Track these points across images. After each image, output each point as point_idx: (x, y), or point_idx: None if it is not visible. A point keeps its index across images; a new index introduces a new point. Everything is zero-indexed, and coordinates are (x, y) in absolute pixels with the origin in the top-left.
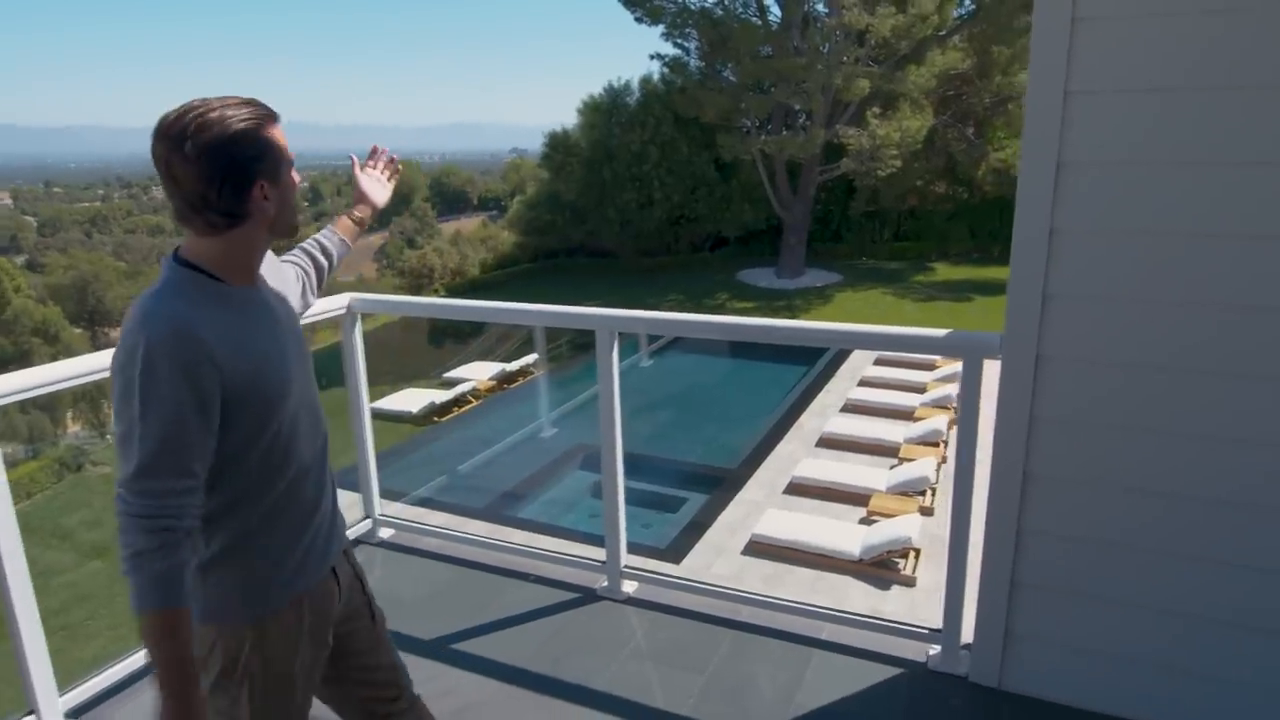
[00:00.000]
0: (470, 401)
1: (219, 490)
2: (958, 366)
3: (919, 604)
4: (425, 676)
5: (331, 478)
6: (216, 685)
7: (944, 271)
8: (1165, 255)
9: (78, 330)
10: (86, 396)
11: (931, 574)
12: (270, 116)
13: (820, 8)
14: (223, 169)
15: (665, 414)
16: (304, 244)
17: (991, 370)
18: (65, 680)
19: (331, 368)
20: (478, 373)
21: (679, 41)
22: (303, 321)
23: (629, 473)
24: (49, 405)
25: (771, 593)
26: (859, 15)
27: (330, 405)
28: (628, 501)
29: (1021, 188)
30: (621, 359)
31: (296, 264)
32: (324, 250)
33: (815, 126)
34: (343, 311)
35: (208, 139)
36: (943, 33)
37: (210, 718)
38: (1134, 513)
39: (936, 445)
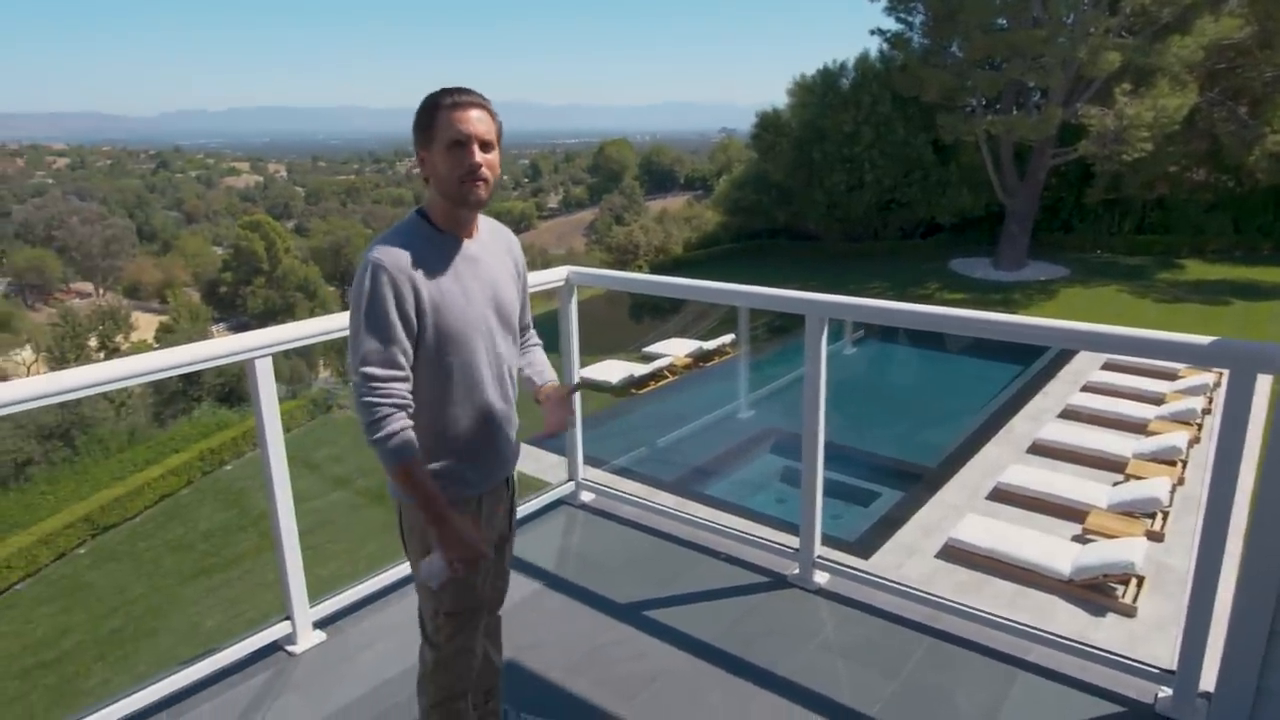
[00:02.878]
0: (666, 377)
1: (420, 391)
2: (1205, 378)
3: (1139, 638)
4: (618, 638)
5: (514, 413)
6: (415, 550)
7: (1197, 270)
8: None
9: (330, 288)
10: (335, 347)
11: (1156, 606)
12: (457, 104)
13: None
14: (414, 139)
15: (864, 404)
16: (529, 364)
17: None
18: (314, 594)
19: (542, 335)
20: (675, 349)
21: (902, 16)
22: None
23: (825, 461)
24: (305, 352)
25: (969, 602)
26: None
27: None
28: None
29: None
30: (826, 345)
31: (526, 332)
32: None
33: (1051, 105)
34: (561, 283)
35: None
36: None
37: (414, 576)
38: None
39: (1173, 464)
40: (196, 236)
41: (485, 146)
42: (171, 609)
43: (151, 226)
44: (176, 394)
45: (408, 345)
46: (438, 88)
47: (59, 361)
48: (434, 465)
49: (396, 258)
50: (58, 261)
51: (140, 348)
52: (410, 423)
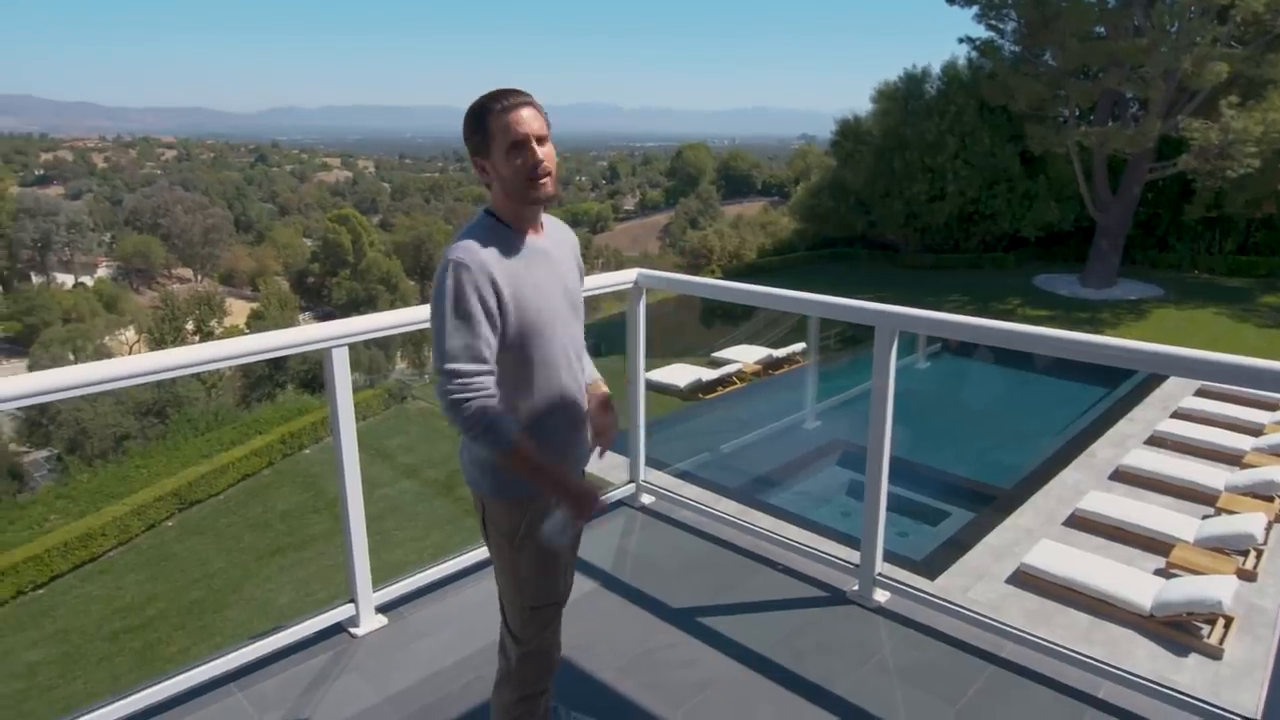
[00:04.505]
0: (734, 383)
1: (505, 387)
2: None
3: (1225, 681)
4: (669, 642)
5: (586, 403)
6: (503, 545)
7: None
8: None
9: (411, 282)
10: (412, 340)
11: (1247, 649)
12: (509, 106)
13: None
14: (468, 145)
15: (936, 420)
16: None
17: None
18: (377, 579)
19: (610, 336)
20: (745, 355)
21: (994, 23)
22: (594, 292)
23: (892, 477)
24: (384, 343)
25: (1038, 632)
26: None
27: (606, 373)
28: (887, 506)
29: None
30: (898, 358)
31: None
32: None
33: (1151, 117)
34: (630, 285)
35: (465, 123)
36: None
37: (499, 573)
38: None
39: (1270, 500)
40: (289, 228)
41: (541, 141)
42: (247, 584)
43: (248, 217)
44: (263, 378)
45: (493, 340)
46: (490, 92)
47: (158, 342)
48: None
49: (477, 255)
50: (162, 248)
51: (232, 332)
52: (502, 409)
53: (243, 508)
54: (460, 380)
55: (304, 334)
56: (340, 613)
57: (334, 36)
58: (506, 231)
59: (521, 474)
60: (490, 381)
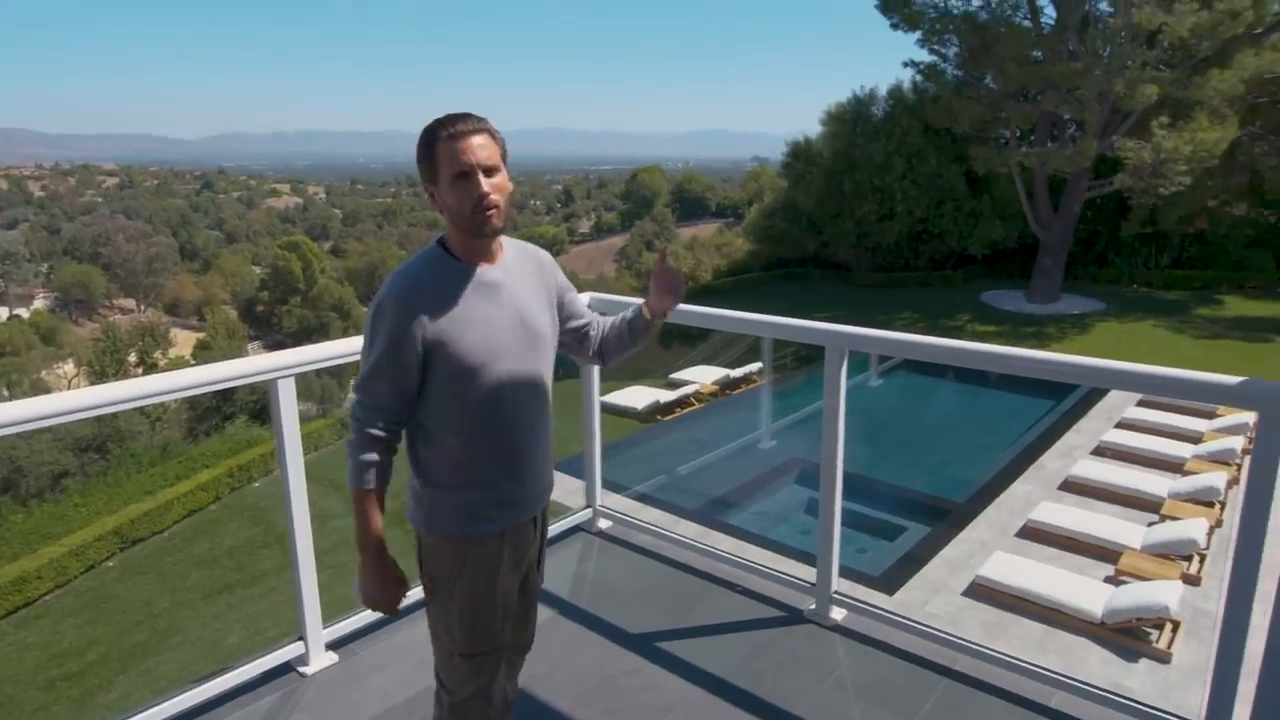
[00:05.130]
0: (692, 404)
1: (437, 422)
2: (1245, 416)
3: (1174, 685)
4: (629, 668)
5: (547, 446)
6: (433, 585)
7: (1237, 306)
8: None
9: (364, 309)
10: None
11: (1193, 653)
12: (455, 134)
13: (1103, 7)
14: (419, 173)
15: (890, 436)
16: (617, 318)
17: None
18: (329, 614)
19: (565, 359)
20: (702, 376)
21: (936, 48)
22: None
23: (847, 494)
24: (336, 371)
25: (993, 643)
26: (1150, 14)
27: (562, 397)
28: (844, 523)
29: None
30: (850, 375)
31: (585, 320)
32: (629, 326)
33: (1087, 138)
34: None
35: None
36: (1258, 30)
37: (430, 614)
38: None
39: (1211, 505)
40: (236, 256)
41: (490, 171)
42: (194, 624)
43: (194, 245)
44: (210, 410)
45: (403, 379)
46: (440, 118)
47: (99, 375)
48: (453, 499)
49: (406, 290)
50: (103, 277)
51: (177, 363)
52: (377, 455)
53: (188, 545)
54: (358, 407)
55: (249, 365)
56: (289, 651)
57: (283, 62)
58: (453, 264)
59: (354, 511)
60: (381, 419)
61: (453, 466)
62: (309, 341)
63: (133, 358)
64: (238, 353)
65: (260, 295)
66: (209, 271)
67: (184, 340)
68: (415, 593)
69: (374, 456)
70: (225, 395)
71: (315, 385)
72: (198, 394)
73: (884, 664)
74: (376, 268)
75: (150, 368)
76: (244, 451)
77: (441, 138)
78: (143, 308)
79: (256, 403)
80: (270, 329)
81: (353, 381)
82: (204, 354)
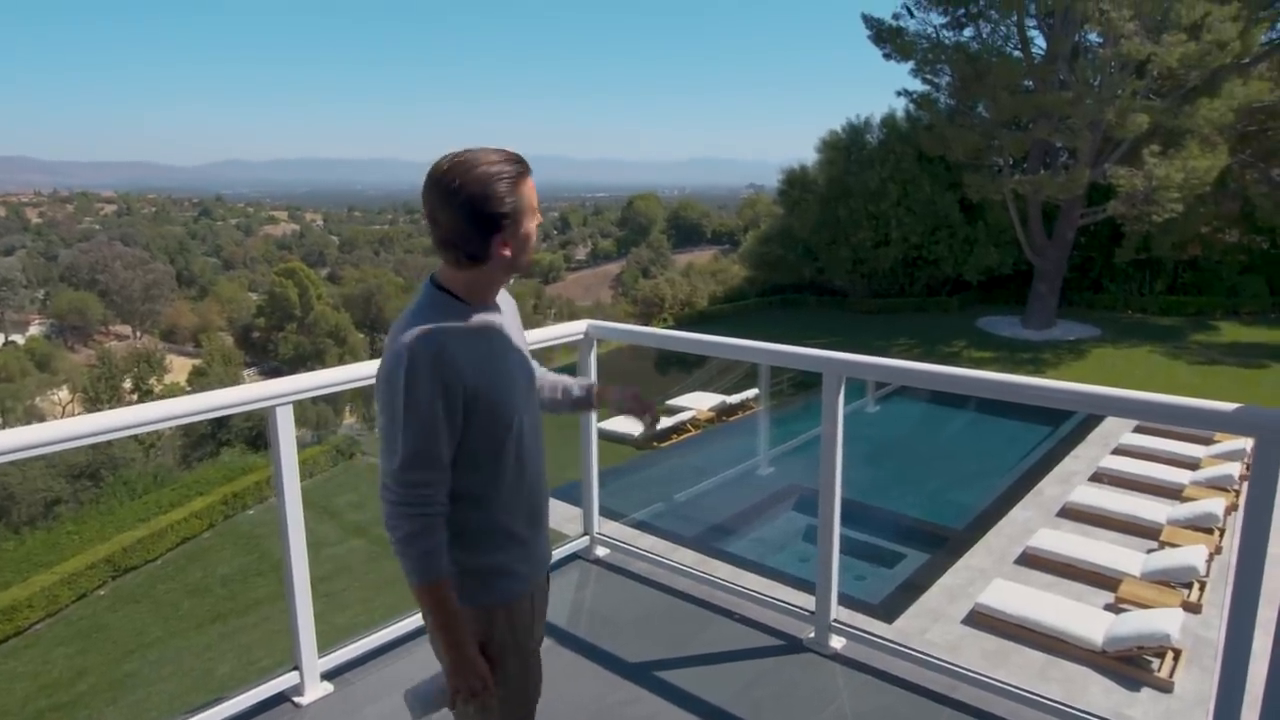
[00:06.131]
0: (689, 430)
1: (473, 487)
2: (1242, 443)
3: (1176, 715)
4: (628, 698)
5: (547, 487)
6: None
7: (1231, 332)
8: None
9: (360, 335)
10: (361, 394)
11: (1195, 681)
12: (523, 174)
13: (1093, 38)
14: (476, 221)
15: (888, 463)
16: (559, 379)
17: None
18: (324, 643)
19: None
20: (699, 402)
21: (929, 77)
22: (544, 345)
23: (846, 520)
24: (332, 398)
25: (993, 672)
26: (1139, 45)
27: (560, 423)
28: (842, 550)
29: None
30: (847, 402)
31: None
32: (572, 399)
33: (1079, 166)
34: (580, 336)
35: (469, 194)
36: (1245, 60)
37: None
38: None
39: (1210, 532)
40: (233, 282)
41: None
42: (186, 654)
43: (191, 272)
44: (205, 437)
45: (454, 436)
46: (479, 154)
47: (94, 402)
48: (485, 561)
49: (437, 343)
50: (99, 304)
51: (173, 390)
52: (442, 535)
53: (181, 573)
54: (411, 490)
55: (246, 393)
56: (283, 681)
57: (281, 89)
58: (466, 310)
59: (427, 615)
60: (443, 494)
61: (487, 530)
62: (305, 368)
63: (128, 384)
64: (233, 379)
65: (257, 322)
66: (206, 298)
67: (179, 367)
68: (413, 620)
69: (443, 535)
70: (220, 422)
71: (311, 412)
72: (196, 421)
73: (884, 694)
74: (373, 294)
75: (146, 394)
76: (238, 478)
77: (527, 174)
78: (139, 334)
79: (252, 429)
80: (266, 355)
81: (388, 460)
82: (200, 380)
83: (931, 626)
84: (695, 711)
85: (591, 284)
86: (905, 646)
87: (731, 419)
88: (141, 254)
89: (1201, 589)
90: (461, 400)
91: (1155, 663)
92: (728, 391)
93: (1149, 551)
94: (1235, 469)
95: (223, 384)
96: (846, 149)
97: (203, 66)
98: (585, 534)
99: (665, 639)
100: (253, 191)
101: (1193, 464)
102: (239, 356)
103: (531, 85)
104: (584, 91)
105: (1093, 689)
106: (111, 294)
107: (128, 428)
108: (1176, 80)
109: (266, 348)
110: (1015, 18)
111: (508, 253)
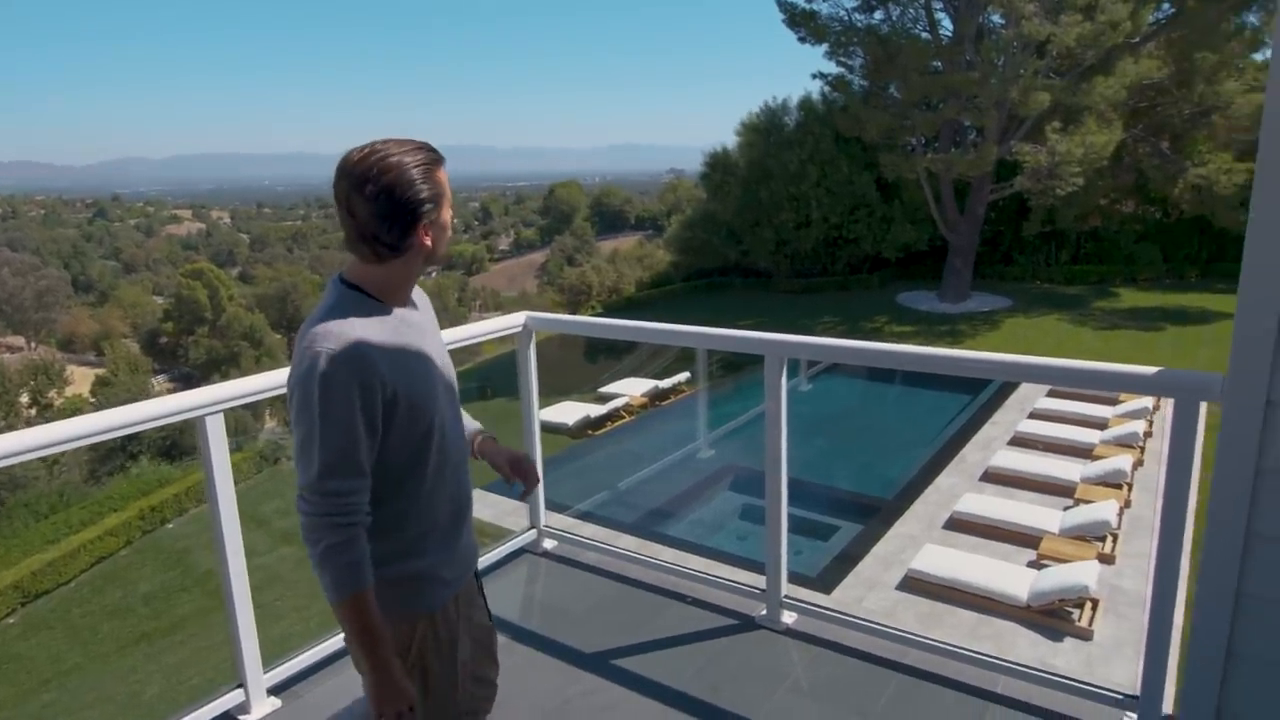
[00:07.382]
0: (624, 417)
1: (395, 493)
2: (1144, 402)
3: (1096, 660)
4: (586, 689)
5: (471, 485)
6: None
7: (1130, 297)
8: None
9: (277, 336)
10: (281, 398)
11: (1111, 628)
12: (438, 162)
13: (996, 20)
14: (395, 210)
15: (821, 439)
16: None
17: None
18: (267, 657)
19: (494, 379)
20: (631, 389)
21: (842, 60)
22: (482, 339)
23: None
24: (252, 404)
25: (929, 634)
26: (1039, 25)
27: (500, 414)
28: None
29: (1260, 197)
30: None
31: None
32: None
33: (987, 143)
34: (519, 329)
35: (386, 183)
36: (1135, 40)
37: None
38: None
39: (1119, 487)
40: (135, 286)
41: None
42: (109, 679)
43: (88, 277)
44: (114, 450)
45: (375, 443)
46: (393, 145)
47: None
48: (408, 568)
49: (353, 344)
50: None
51: (75, 402)
52: (364, 545)
53: (99, 594)
54: (330, 500)
55: (174, 403)
56: (228, 700)
57: (179, 83)
58: (380, 308)
59: (348, 630)
60: (364, 502)
61: (410, 536)
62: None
63: (25, 399)
64: (142, 387)
65: (164, 327)
66: (106, 304)
67: (81, 377)
68: None
69: (364, 547)
70: (130, 434)
71: (229, 418)
72: (122, 435)
73: (837, 664)
74: (289, 293)
75: (45, 408)
76: (155, 492)
77: (442, 163)
78: (34, 345)
79: (165, 439)
80: (177, 361)
81: (305, 469)
82: (105, 390)
83: (868, 595)
84: (655, 697)
85: (516, 274)
86: (854, 617)
87: (665, 404)
88: (32, 259)
89: (1115, 541)
90: (381, 404)
91: (1075, 613)
92: (659, 376)
93: (1065, 509)
94: (1140, 426)
95: (130, 393)
96: (766, 132)
97: (90, 58)
98: (532, 527)
99: (620, 627)
100: (152, 189)
101: (1101, 424)
102: (147, 364)
103: (444, 75)
104: (498, 80)
105: (1020, 642)
106: (0, 304)
107: (41, 448)
108: (1074, 59)
109: (176, 353)
110: (923, 1)
111: (428, 241)
